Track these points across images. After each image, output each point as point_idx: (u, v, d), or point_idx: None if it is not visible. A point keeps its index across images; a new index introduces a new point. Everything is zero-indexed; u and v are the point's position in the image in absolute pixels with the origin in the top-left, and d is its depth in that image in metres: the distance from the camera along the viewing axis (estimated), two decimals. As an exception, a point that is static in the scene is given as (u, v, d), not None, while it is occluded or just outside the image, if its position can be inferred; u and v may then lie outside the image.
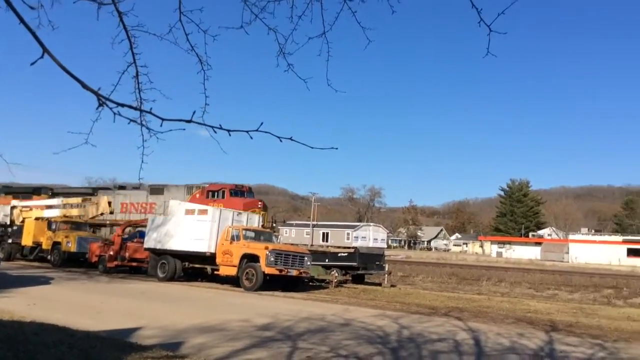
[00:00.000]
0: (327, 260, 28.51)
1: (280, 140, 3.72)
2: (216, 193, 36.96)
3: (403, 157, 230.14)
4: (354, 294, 20.58)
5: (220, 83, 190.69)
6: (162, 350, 7.83)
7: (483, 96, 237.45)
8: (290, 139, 3.77)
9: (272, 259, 19.17)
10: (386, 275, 28.48)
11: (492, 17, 4.02)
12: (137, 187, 41.13)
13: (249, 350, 8.56)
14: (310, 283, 23.26)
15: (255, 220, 24.66)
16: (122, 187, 42.50)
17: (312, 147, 3.86)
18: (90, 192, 42.03)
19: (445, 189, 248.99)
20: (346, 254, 28.97)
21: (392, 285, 27.73)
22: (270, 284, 19.82)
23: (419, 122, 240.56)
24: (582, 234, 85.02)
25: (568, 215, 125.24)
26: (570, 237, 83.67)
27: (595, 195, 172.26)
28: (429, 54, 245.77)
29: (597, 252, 72.63)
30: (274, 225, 40.67)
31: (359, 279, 28.30)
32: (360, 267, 28.38)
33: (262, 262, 19.20)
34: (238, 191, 36.62)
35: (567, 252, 76.66)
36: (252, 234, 21.71)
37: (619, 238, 77.89)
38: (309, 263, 21.04)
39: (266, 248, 19.49)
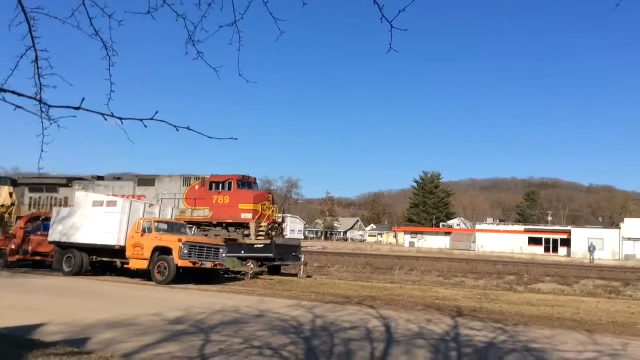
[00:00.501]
0: (243, 252, 28.18)
1: (177, 130, 3.61)
2: (221, 185, 33.87)
3: (320, 148, 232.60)
4: (269, 285, 20.57)
5: (128, 69, 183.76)
6: (67, 347, 7.47)
7: (397, 90, 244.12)
8: (188, 128, 3.68)
9: (186, 251, 18.76)
10: (302, 266, 28.67)
11: (394, 14, 4.11)
12: (118, 178, 37.84)
13: (159, 344, 8.33)
14: (226, 275, 23.02)
15: (168, 213, 24.05)
16: (100, 178, 38.04)
17: (210, 137, 3.78)
18: (64, 183, 37.65)
19: (362, 181, 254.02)
20: (262, 246, 28.82)
21: (309, 276, 27.98)
22: (184, 277, 19.41)
23: (335, 114, 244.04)
24: (488, 224, 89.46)
25: (475, 206, 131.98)
26: (477, 227, 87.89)
27: (501, 187, 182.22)
28: (343, 47, 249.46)
29: (501, 241, 76.80)
30: (283, 219, 38.24)
31: (275, 271, 28.32)
32: (277, 259, 28.38)
33: (175, 254, 18.74)
34: (245, 182, 33.85)
35: (474, 242, 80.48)
36: (165, 226, 21.14)
37: (521, 228, 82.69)
38: (224, 255, 20.80)
39: (179, 240, 19.05)
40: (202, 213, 33.70)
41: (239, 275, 23.55)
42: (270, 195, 35.08)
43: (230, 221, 32.97)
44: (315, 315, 11.95)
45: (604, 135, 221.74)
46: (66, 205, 34.32)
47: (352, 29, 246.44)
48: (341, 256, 41.20)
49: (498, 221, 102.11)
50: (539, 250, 72.32)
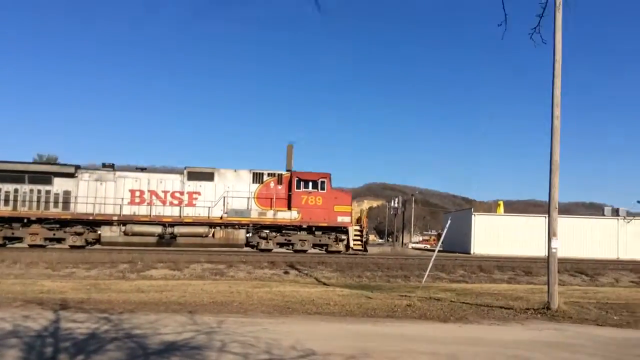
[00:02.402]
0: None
1: None
2: (311, 183, 29.95)
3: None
4: None
5: None
6: None
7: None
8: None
9: None
10: None
11: None
12: (143, 169, 30.73)
13: None
14: None
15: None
16: (142, 169, 30.78)
17: None
18: (63, 172, 29.25)
19: None
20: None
21: None
22: None
23: None
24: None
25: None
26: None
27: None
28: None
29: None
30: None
31: None
32: None
33: None
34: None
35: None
36: None
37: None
38: None
39: None
40: (288, 215, 29.87)
41: None
42: None
43: (325, 225, 29.22)
44: None
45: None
46: (67, 202, 28.73)
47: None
48: None
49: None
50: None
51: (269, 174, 30.73)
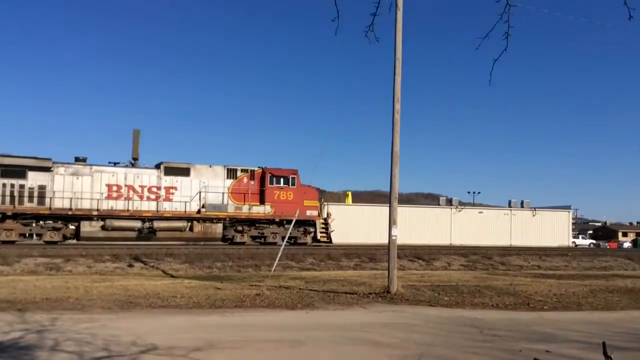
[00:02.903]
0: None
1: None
2: (282, 179, 31.90)
3: None
4: None
5: None
6: None
7: None
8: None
9: None
10: None
11: None
12: (115, 163, 30.01)
13: None
14: None
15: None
16: (114, 164, 29.96)
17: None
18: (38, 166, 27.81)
19: None
20: None
21: None
22: None
23: None
24: None
25: None
26: None
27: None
28: None
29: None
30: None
31: None
32: None
33: None
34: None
35: None
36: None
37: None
38: None
39: None
40: (262, 210, 31.32)
41: None
42: None
43: (292, 218, 28.09)
44: None
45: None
46: (42, 196, 27.82)
47: None
48: None
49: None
50: None
51: (242, 170, 31.87)
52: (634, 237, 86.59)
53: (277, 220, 31.65)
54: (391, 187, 14.44)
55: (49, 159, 28.49)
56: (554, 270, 25.04)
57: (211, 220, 30.69)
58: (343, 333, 9.37)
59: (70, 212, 28.07)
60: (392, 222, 14.41)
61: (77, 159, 29.48)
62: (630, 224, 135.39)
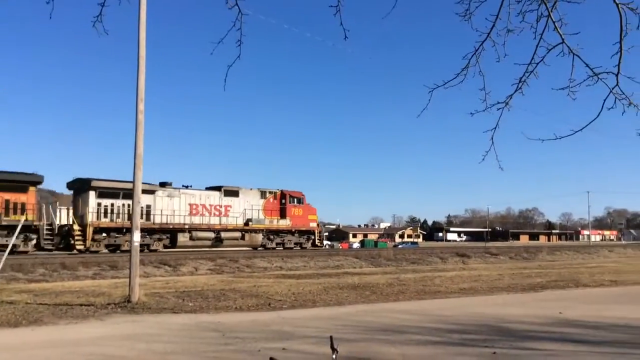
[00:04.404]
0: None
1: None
2: (296, 199, 43.16)
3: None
4: None
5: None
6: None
7: None
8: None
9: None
10: None
11: None
12: (187, 186, 39.04)
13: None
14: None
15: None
16: (185, 187, 39.11)
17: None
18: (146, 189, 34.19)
19: None
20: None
21: None
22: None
23: None
24: None
25: None
26: None
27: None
28: None
29: None
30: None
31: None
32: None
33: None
34: None
35: None
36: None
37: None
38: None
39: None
40: (285, 223, 42.29)
41: None
42: None
43: (304, 229, 42.96)
44: None
45: None
46: (149, 214, 35.48)
47: None
48: None
49: None
50: None
51: (269, 192, 42.17)
52: (362, 238, 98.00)
53: (293, 230, 42.62)
54: (134, 191, 13.75)
55: (155, 184, 36.87)
56: (295, 270, 26.72)
57: (255, 231, 40.63)
58: (75, 349, 8.54)
59: (171, 227, 36.43)
60: (134, 226, 13.70)
61: (161, 184, 37.71)
62: (359, 226, 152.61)
